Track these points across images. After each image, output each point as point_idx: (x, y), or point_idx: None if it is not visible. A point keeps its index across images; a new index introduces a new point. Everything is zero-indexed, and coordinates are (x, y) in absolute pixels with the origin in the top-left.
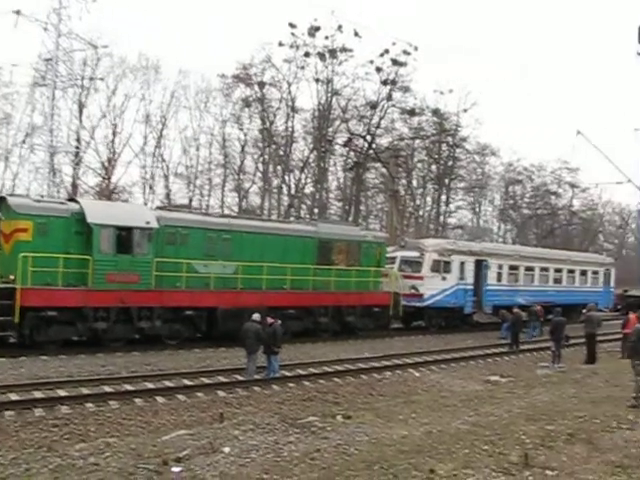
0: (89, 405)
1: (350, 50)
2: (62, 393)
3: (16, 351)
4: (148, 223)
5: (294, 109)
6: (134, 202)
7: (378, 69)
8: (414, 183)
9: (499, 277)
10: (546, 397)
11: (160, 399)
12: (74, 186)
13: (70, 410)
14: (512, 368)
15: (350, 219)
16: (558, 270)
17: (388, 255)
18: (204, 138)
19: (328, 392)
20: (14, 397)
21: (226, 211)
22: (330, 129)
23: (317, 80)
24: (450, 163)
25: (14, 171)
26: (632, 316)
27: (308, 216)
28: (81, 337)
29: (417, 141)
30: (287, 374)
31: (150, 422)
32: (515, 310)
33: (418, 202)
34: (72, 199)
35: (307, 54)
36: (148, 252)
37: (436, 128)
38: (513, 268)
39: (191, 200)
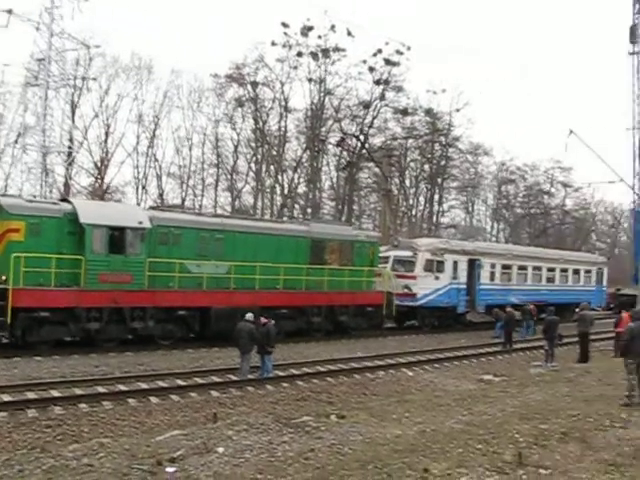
0: (82, 406)
1: (343, 50)
2: (55, 394)
3: (9, 352)
4: (141, 223)
5: (287, 109)
6: (127, 202)
7: (371, 69)
8: (407, 183)
9: (492, 276)
10: (539, 396)
11: (154, 399)
12: (67, 186)
13: (63, 411)
14: (505, 367)
15: (343, 219)
16: (551, 269)
17: (381, 255)
18: (197, 138)
19: (322, 392)
20: (7, 398)
21: (219, 211)
22: (323, 129)
23: (310, 80)
24: (443, 162)
25: (6, 171)
26: (625, 315)
27: (301, 216)
28: (74, 338)
29: (410, 141)
30: (281, 374)
31: (144, 422)
32: (508, 309)
33: (411, 202)
34: (65, 199)
35: (300, 54)
36: (141, 252)
37: (429, 128)
38: (506, 267)
39: (184, 200)
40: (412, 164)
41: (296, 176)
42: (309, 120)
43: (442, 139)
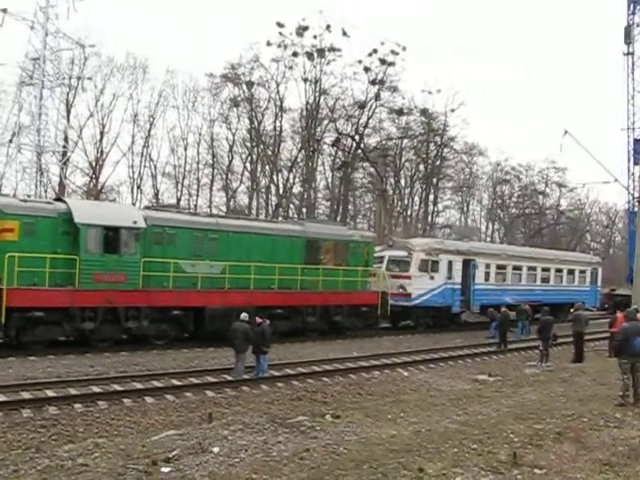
0: (77, 406)
1: (338, 50)
2: (50, 394)
3: (3, 352)
4: (135, 223)
5: (282, 109)
6: (122, 202)
7: (366, 69)
8: (402, 183)
9: (487, 276)
10: (534, 396)
11: (149, 399)
12: (61, 186)
13: (58, 411)
14: (500, 367)
15: (338, 219)
16: (546, 269)
17: (376, 254)
18: (192, 138)
19: (317, 392)
20: (1, 398)
21: (214, 211)
22: (318, 129)
23: (305, 80)
24: (438, 163)
25: (1, 171)
26: (619, 315)
27: (296, 216)
28: (68, 337)
29: (405, 141)
30: (276, 374)
31: (139, 422)
32: (503, 309)
33: (406, 202)
34: (59, 199)
35: (295, 54)
36: (135, 252)
37: (424, 128)
38: (501, 267)
39: (179, 200)
40: (407, 164)
41: (291, 176)
42: (304, 120)
43: (437, 139)
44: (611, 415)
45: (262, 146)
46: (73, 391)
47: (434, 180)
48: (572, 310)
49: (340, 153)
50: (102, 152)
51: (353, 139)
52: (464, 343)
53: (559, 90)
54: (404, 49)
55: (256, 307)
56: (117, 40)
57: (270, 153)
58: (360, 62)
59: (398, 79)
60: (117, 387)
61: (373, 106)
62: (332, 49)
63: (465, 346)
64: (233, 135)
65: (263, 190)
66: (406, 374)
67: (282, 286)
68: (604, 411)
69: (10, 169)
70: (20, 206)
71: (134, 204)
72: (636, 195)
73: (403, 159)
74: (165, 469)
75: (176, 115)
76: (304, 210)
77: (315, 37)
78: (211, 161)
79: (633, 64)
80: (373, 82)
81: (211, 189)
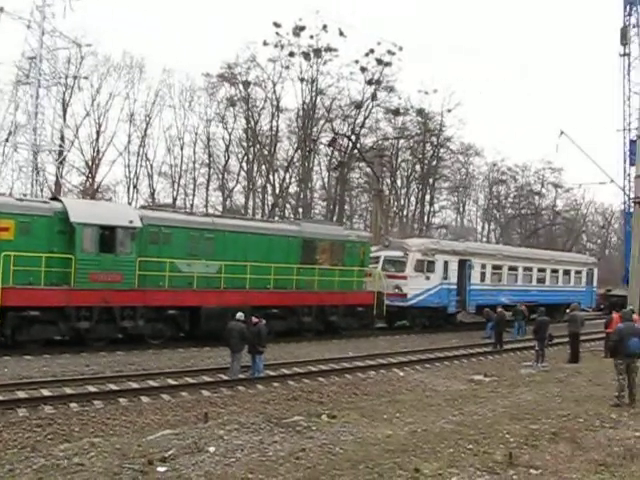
0: (73, 405)
1: (335, 50)
2: (46, 393)
3: None
4: (131, 222)
5: (279, 108)
6: (118, 201)
7: (363, 69)
8: (398, 183)
9: (483, 277)
10: (530, 396)
11: (145, 399)
12: (57, 185)
13: (54, 410)
14: (496, 367)
15: (334, 219)
16: (541, 270)
17: (372, 255)
18: (188, 137)
19: (313, 392)
20: None
21: (210, 210)
22: (314, 129)
23: (302, 80)
24: (434, 163)
25: None
26: (615, 316)
27: (292, 216)
28: (64, 337)
29: (401, 141)
30: (272, 374)
31: (135, 422)
32: (499, 310)
33: (402, 202)
34: (55, 198)
35: (292, 54)
36: (131, 251)
37: (420, 128)
38: (496, 268)
39: (175, 199)
40: (403, 164)
41: (287, 176)
42: (301, 120)
43: (433, 139)
44: (607, 415)
45: (258, 146)
46: (69, 390)
47: (430, 180)
48: (568, 310)
49: (336, 153)
50: (98, 151)
51: (349, 139)
52: (460, 343)
53: (555, 90)
54: (400, 49)
55: (252, 307)
56: (114, 39)
57: (266, 153)
58: (357, 62)
59: (394, 79)
60: (113, 386)
61: (369, 106)
62: (329, 49)
63: (461, 346)
64: (229, 135)
65: (259, 190)
66: (402, 374)
67: (278, 286)
68: (600, 411)
69: (6, 168)
70: (16, 205)
71: (130, 203)
72: (632, 196)
73: (399, 159)
74: (161, 469)
75: (172, 115)
76: (300, 210)
77: (312, 37)
78: (207, 161)
79: (629, 65)
80: (369, 82)
81: (207, 189)
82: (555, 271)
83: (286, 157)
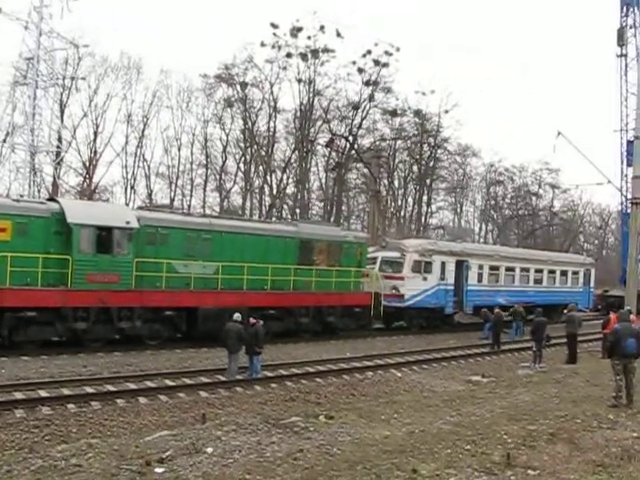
0: (71, 406)
1: (332, 51)
2: (43, 394)
3: None
4: (128, 223)
5: (276, 109)
6: (115, 202)
7: (360, 70)
8: (395, 184)
9: (480, 277)
10: (527, 397)
11: (142, 400)
12: (55, 186)
13: (51, 411)
14: (493, 368)
15: (332, 219)
16: (539, 270)
17: (369, 255)
18: (186, 138)
19: (310, 392)
20: None
21: (208, 211)
22: (312, 129)
23: (299, 80)
24: (431, 164)
25: None
26: (612, 316)
27: (290, 216)
28: (61, 338)
29: (399, 142)
30: (269, 374)
31: (132, 423)
32: (496, 310)
33: (399, 202)
34: (52, 199)
35: (289, 54)
36: (128, 252)
37: (417, 129)
38: (494, 268)
39: (172, 200)
40: (401, 165)
41: (285, 177)
42: (298, 121)
43: (431, 140)
44: (604, 416)
45: (256, 147)
46: (66, 391)
47: (427, 181)
48: (565, 311)
49: (334, 154)
50: (96, 152)
51: (347, 140)
52: (457, 344)
53: (553, 91)
54: (398, 50)
55: (249, 308)
56: (111, 40)
57: (264, 154)
58: (354, 63)
59: (392, 80)
60: (110, 387)
61: (367, 107)
62: (326, 50)
63: (458, 347)
64: (227, 135)
65: (257, 191)
66: (399, 375)
67: (275, 287)
68: (597, 412)
69: (3, 169)
70: (13, 206)
71: (127, 204)
72: (629, 196)
73: (397, 160)
74: (159, 469)
75: (170, 115)
76: (297, 211)
77: (309, 38)
78: (205, 161)
79: (626, 66)
80: (367, 83)
81: (205, 189)
82: (552, 272)
83: (283, 158)
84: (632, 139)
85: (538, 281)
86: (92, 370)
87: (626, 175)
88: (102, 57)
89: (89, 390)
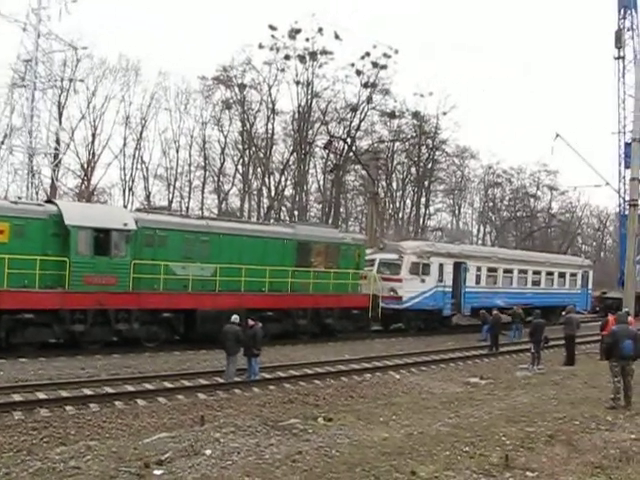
0: (69, 408)
1: (330, 53)
2: (41, 396)
3: None
4: (126, 225)
5: (274, 111)
6: (113, 204)
7: (358, 72)
8: (394, 185)
9: (478, 279)
10: (526, 399)
11: (141, 402)
12: (53, 188)
13: (50, 413)
14: (492, 370)
15: (330, 221)
16: (537, 272)
17: (367, 257)
18: (184, 140)
19: (309, 394)
20: None
21: (206, 213)
22: (310, 131)
23: (297, 82)
24: (430, 165)
25: None
26: (611, 318)
27: (288, 218)
28: (58, 340)
29: (397, 143)
30: (267, 376)
31: (131, 425)
32: (494, 312)
33: (398, 204)
34: (50, 201)
35: (287, 56)
36: (126, 254)
37: (416, 131)
38: (492, 270)
39: (171, 202)
40: (399, 167)
41: (283, 178)
42: (296, 123)
43: (429, 142)
44: (602, 418)
45: (254, 149)
46: (64, 393)
47: (426, 183)
48: (564, 313)
49: (332, 156)
50: (94, 154)
51: (345, 142)
52: (455, 346)
53: (553, 92)
54: (396, 52)
55: (247, 309)
56: (109, 42)
57: (262, 156)
58: (352, 65)
59: (390, 82)
60: (109, 389)
61: (365, 109)
62: (324, 52)
63: (457, 349)
64: (225, 137)
65: (255, 193)
66: (398, 377)
67: (273, 289)
68: (595, 414)
69: (1, 171)
70: (11, 208)
71: (125, 206)
72: (627, 198)
73: (395, 162)
74: (157, 472)
75: (168, 117)
76: (296, 213)
77: (307, 40)
78: (203, 163)
79: (624, 68)
80: (365, 85)
81: (203, 191)
82: (550, 274)
83: (282, 160)
84: (630, 141)
85: (536, 283)
86: (90, 372)
87: (624, 177)
88: (100, 59)
89: (87, 392)
